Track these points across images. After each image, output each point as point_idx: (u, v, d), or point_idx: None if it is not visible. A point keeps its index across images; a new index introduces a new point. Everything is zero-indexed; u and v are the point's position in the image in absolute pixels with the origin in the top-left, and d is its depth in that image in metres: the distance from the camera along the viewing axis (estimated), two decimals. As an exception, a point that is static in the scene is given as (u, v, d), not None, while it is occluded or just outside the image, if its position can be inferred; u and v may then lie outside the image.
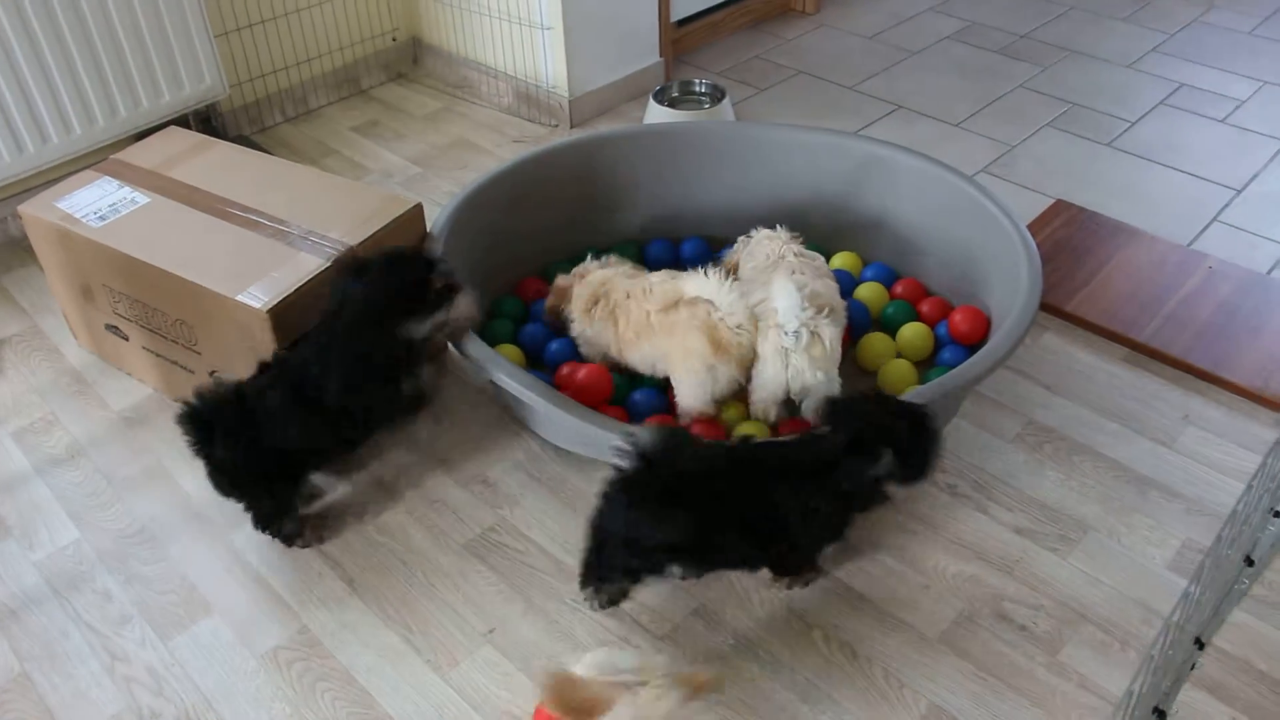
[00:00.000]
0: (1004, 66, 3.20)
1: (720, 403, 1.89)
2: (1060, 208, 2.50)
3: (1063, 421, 1.97)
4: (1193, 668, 1.52)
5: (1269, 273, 2.31)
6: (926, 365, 2.05)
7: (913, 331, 2.06)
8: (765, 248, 2.00)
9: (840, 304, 1.92)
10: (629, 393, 1.97)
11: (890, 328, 2.11)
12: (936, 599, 1.66)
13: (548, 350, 2.07)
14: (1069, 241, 2.37)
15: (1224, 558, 1.32)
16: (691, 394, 1.85)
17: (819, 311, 1.80)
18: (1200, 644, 1.31)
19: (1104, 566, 1.70)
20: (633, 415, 1.93)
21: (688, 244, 2.33)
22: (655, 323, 1.86)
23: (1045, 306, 2.20)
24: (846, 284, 2.20)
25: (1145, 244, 2.36)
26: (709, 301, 1.80)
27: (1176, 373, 2.06)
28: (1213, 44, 3.30)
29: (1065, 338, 2.15)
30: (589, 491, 1.85)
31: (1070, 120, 2.91)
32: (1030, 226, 2.40)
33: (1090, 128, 2.87)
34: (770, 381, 1.81)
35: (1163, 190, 2.60)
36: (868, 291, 2.16)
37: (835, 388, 1.82)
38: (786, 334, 1.75)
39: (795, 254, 1.97)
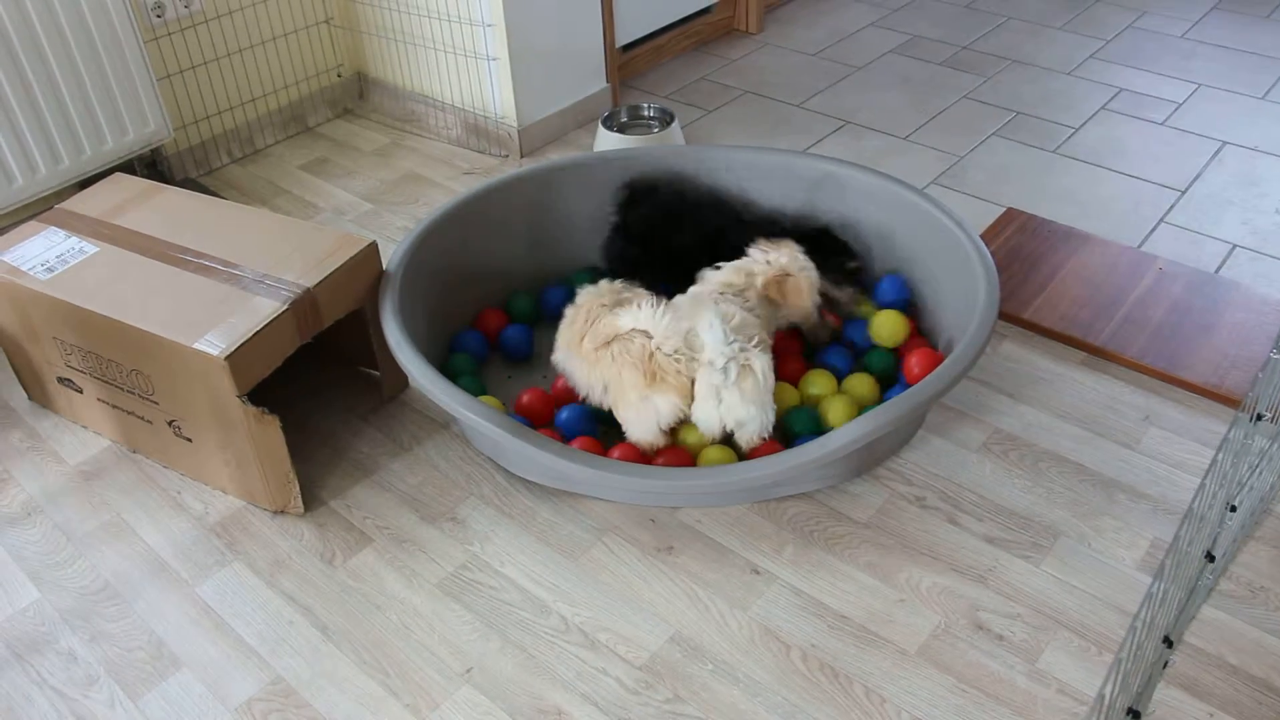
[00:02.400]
0: (948, 78, 3.24)
1: (677, 429, 1.89)
2: (1012, 216, 2.52)
3: (1027, 428, 1.98)
4: (1165, 666, 1.54)
5: (1217, 271, 2.34)
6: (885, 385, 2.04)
7: (858, 382, 2.01)
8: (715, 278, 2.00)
9: (766, 333, 1.91)
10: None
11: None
12: (913, 613, 1.66)
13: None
14: (1022, 249, 2.40)
15: (1185, 555, 1.34)
16: (637, 427, 1.85)
17: (748, 341, 1.80)
18: (1169, 643, 1.33)
19: (1076, 571, 1.71)
20: (563, 436, 1.94)
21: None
22: (587, 356, 1.87)
23: (1003, 314, 2.22)
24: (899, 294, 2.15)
25: (1097, 248, 2.39)
26: (643, 332, 1.80)
27: (1135, 374, 2.09)
28: (1148, 49, 3.36)
29: (1025, 345, 2.17)
30: (559, 523, 1.84)
31: (1016, 129, 2.95)
32: (984, 235, 2.43)
33: (1036, 135, 2.91)
34: (705, 419, 1.80)
35: (1110, 194, 2.63)
36: (888, 321, 2.08)
37: (769, 418, 1.81)
38: (716, 369, 1.75)
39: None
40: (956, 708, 1.52)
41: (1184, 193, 2.63)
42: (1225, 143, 2.83)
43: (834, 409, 1.92)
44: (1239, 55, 3.29)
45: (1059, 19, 3.59)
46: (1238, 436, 1.18)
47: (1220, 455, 1.22)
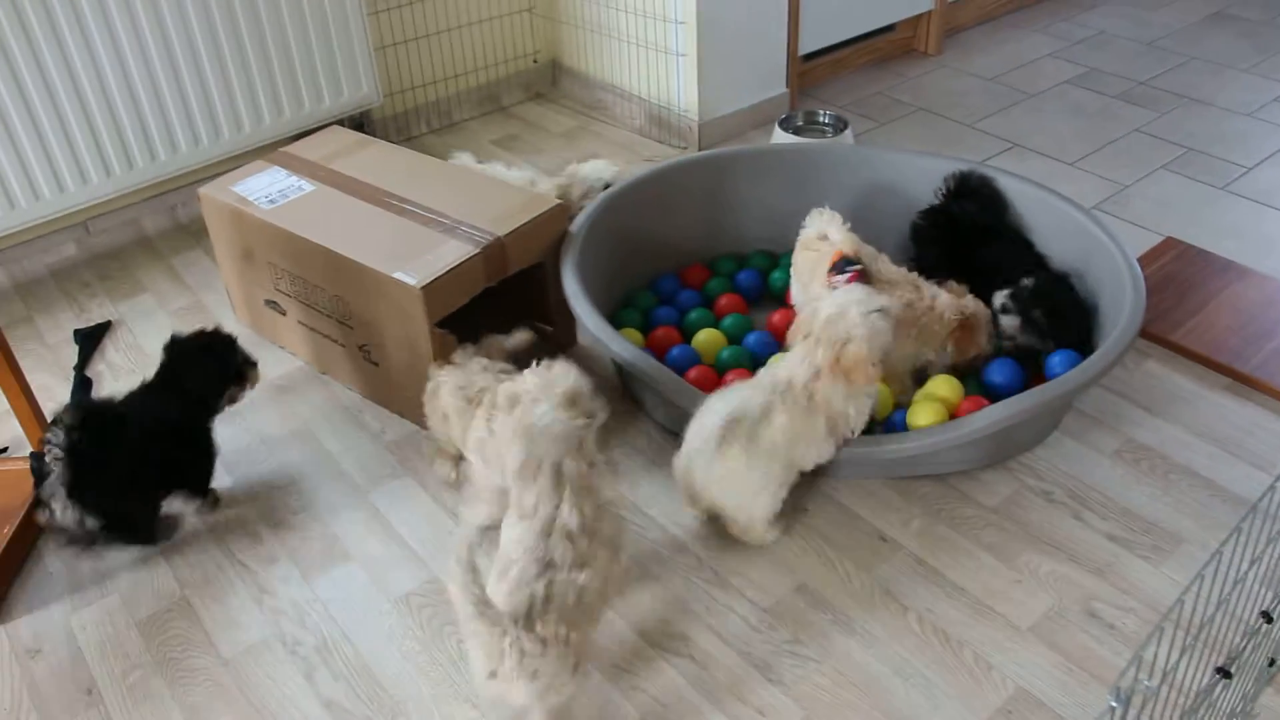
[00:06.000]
0: (1121, 111, 3.27)
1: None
2: (1171, 244, 2.56)
3: (1161, 441, 2.03)
4: (1273, 665, 1.57)
5: (1379, 316, 2.34)
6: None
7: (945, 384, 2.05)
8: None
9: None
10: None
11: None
12: (1028, 593, 1.74)
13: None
14: (1177, 275, 2.44)
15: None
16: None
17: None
18: (1269, 618, 1.39)
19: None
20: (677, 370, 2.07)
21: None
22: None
23: (1150, 335, 2.26)
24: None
25: (1254, 281, 2.41)
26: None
27: (1279, 404, 2.11)
28: (1336, 98, 3.32)
29: (1168, 365, 2.21)
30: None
31: (1185, 164, 2.96)
32: (1140, 259, 2.46)
33: (1205, 171, 2.92)
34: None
35: (1276, 233, 2.64)
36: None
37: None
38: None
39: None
40: (1061, 684, 1.60)
41: (1354, 239, 2.62)
42: (1405, 195, 2.80)
43: (923, 412, 1.97)
44: None
45: (1245, 61, 3.57)
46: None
47: None
